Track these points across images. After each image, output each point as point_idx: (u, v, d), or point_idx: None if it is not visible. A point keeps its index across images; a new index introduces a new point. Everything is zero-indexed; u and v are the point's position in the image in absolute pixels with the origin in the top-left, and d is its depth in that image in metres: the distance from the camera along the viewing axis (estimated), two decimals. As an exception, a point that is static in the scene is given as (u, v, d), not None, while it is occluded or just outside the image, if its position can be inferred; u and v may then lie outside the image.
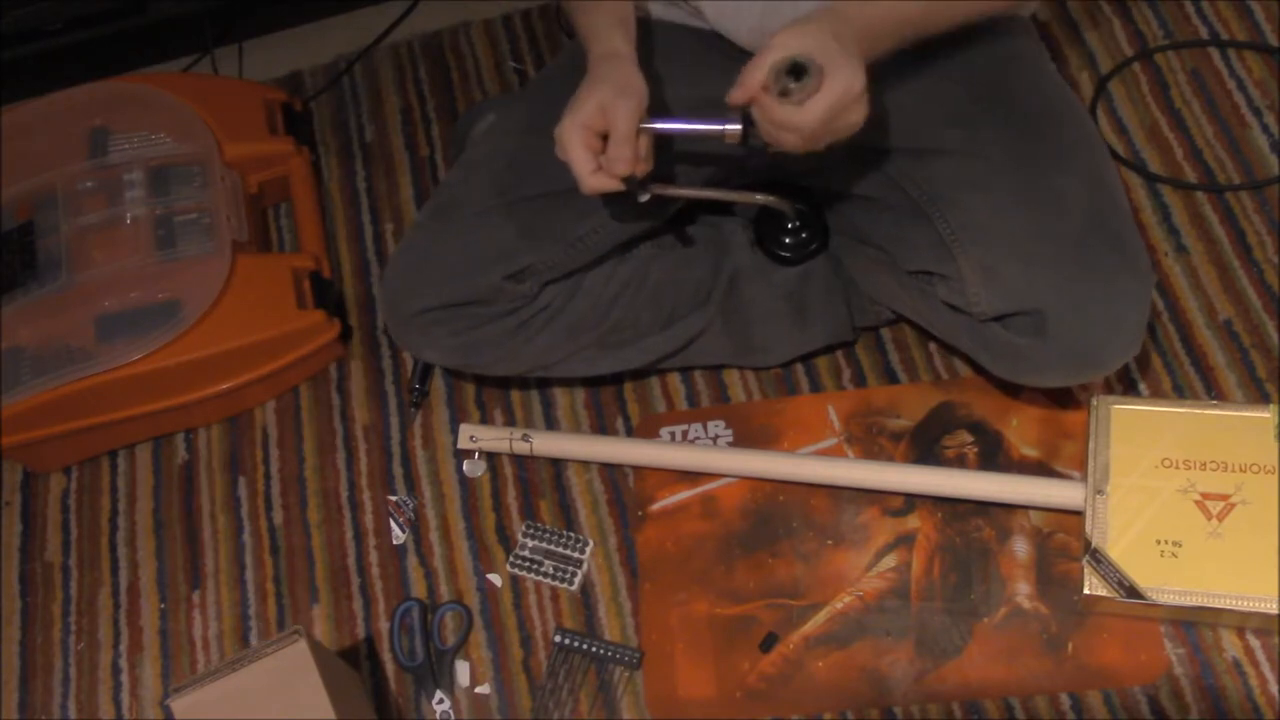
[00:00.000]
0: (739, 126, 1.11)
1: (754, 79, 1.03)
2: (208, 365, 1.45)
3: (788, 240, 1.38)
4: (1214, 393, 1.37)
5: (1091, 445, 1.28)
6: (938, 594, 1.31)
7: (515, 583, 1.40)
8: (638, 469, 1.43)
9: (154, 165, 1.52)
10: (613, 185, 1.11)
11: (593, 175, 1.10)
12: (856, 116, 1.04)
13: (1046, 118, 1.23)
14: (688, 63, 1.27)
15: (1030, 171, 1.19)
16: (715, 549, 1.37)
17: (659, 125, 1.15)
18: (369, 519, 1.47)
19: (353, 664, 1.38)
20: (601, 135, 1.10)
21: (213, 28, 1.77)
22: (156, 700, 1.40)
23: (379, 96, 1.76)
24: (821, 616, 1.32)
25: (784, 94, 1.02)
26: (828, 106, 1.02)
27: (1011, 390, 1.39)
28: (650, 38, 1.29)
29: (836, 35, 1.03)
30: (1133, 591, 1.22)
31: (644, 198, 1.18)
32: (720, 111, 1.11)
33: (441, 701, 1.35)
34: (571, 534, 1.41)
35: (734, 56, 1.18)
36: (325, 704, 1.15)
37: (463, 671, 1.36)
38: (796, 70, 1.01)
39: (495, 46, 1.77)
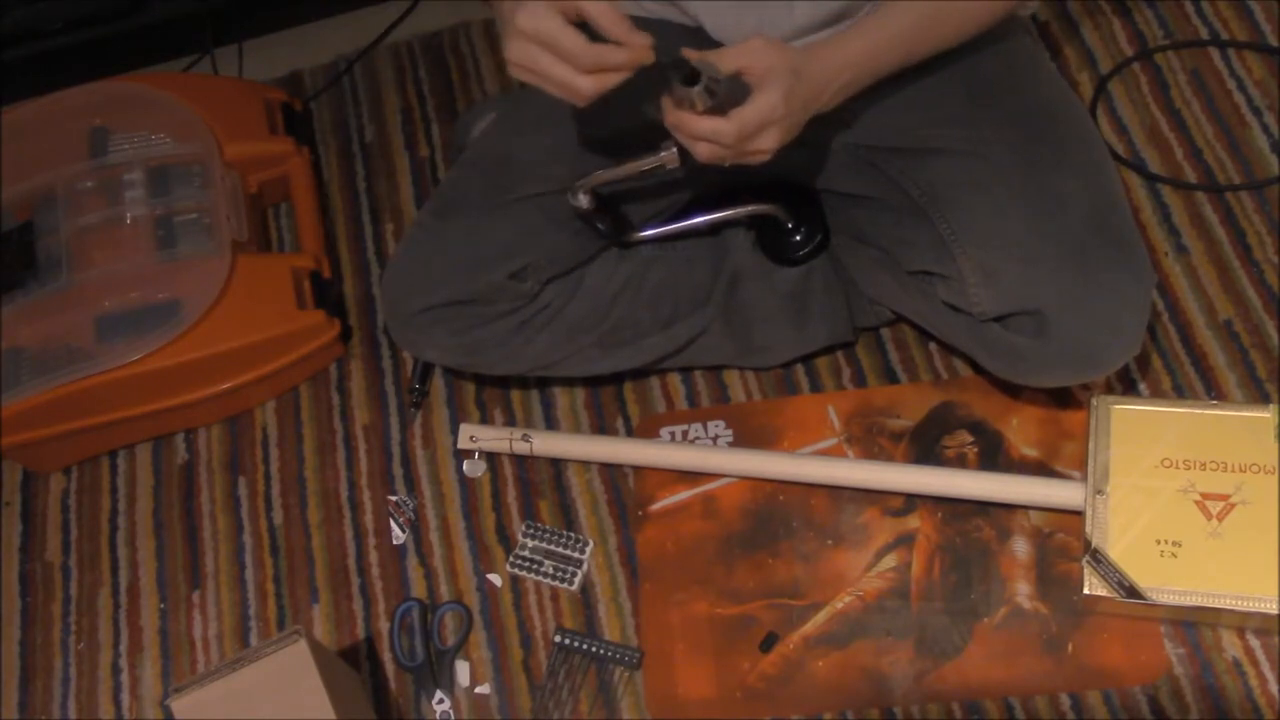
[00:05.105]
0: (674, 150, 1.10)
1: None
2: (208, 365, 1.45)
3: (788, 241, 1.38)
4: (1214, 393, 1.37)
5: (1091, 445, 1.28)
6: (938, 594, 1.31)
7: (515, 583, 1.40)
8: (638, 469, 1.43)
9: (154, 165, 1.52)
10: (615, 80, 0.98)
11: (585, 75, 0.98)
12: (764, 145, 1.04)
13: (1046, 118, 1.23)
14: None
15: (1030, 171, 1.19)
16: (715, 549, 1.37)
17: (603, 176, 1.17)
18: (369, 519, 1.46)
19: (353, 664, 1.38)
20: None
21: (213, 28, 1.77)
22: (156, 700, 1.40)
23: (379, 96, 1.76)
24: (821, 616, 1.32)
25: (685, 101, 0.99)
26: (732, 127, 1.01)
27: (1011, 390, 1.39)
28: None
29: (795, 69, 1.02)
30: (1133, 591, 1.22)
31: (632, 236, 1.18)
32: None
33: (441, 701, 1.35)
34: (571, 534, 1.40)
35: None
36: (325, 704, 1.15)
37: (463, 671, 1.36)
38: (690, 77, 0.98)
39: (495, 46, 1.77)
